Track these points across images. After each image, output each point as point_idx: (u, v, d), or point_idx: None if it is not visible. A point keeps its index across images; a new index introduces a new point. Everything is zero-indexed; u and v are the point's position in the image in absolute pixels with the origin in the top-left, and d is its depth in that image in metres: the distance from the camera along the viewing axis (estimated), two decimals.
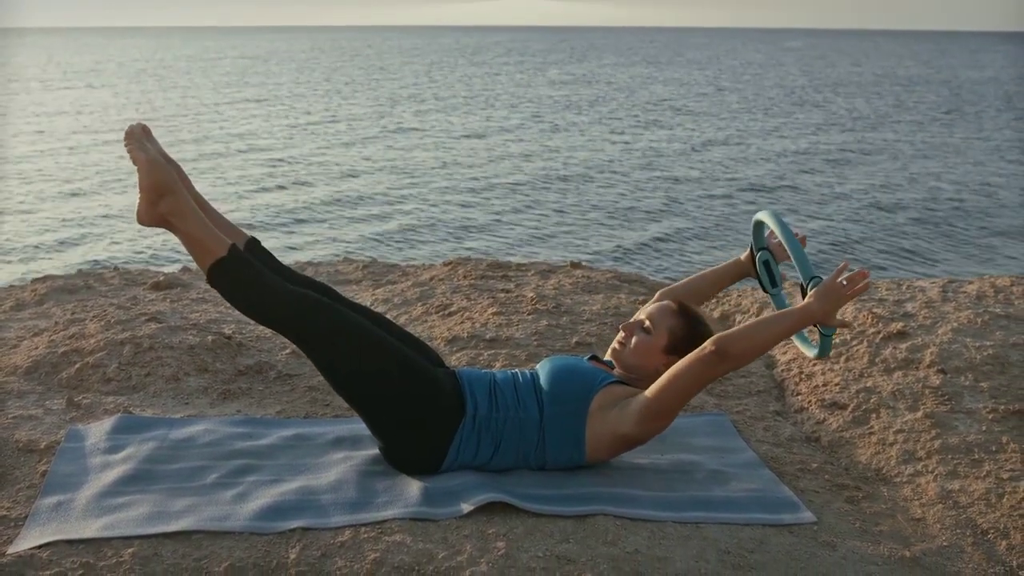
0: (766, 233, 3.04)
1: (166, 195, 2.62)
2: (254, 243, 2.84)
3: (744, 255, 3.11)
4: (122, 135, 2.74)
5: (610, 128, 21.41)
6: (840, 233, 12.29)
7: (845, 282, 2.54)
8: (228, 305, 4.36)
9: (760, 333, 2.53)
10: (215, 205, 2.96)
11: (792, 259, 2.74)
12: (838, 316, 2.57)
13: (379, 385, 2.59)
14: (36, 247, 11.18)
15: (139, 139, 2.67)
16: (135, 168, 2.65)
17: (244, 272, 2.61)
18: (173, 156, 2.79)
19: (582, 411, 2.63)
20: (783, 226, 2.74)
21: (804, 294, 2.62)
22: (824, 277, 2.60)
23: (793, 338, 2.77)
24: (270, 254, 2.85)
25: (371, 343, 2.61)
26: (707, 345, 2.52)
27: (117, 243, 11.45)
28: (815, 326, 2.60)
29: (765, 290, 3.06)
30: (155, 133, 2.80)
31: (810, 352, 2.75)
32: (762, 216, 2.87)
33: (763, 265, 3.03)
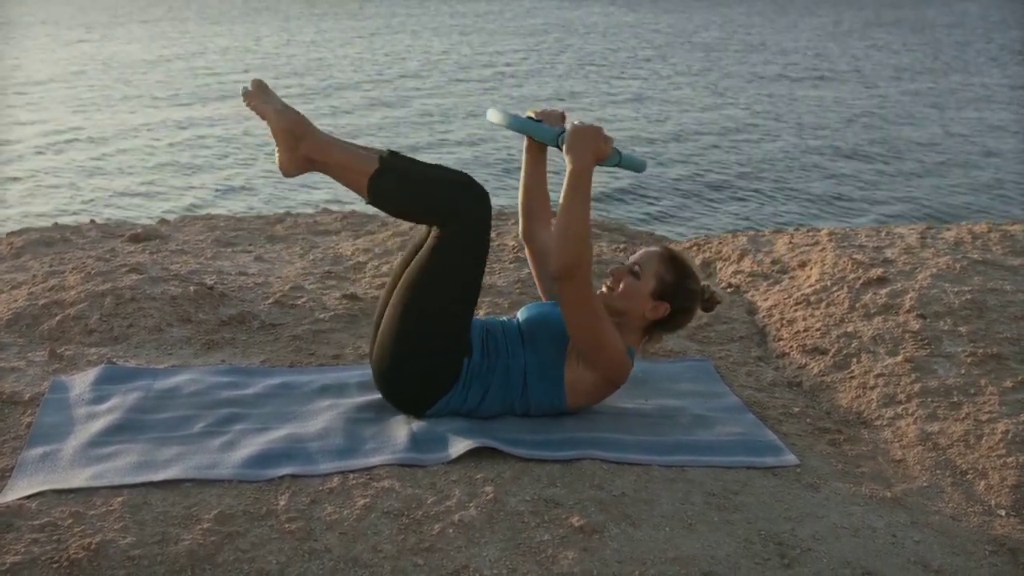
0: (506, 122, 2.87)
1: (303, 137, 2.60)
2: (394, 153, 2.72)
3: (525, 143, 2.97)
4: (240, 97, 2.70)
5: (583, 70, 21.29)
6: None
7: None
8: (209, 256, 4.33)
9: (571, 226, 2.51)
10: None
11: (531, 136, 2.77)
12: (605, 140, 2.56)
13: (449, 297, 2.62)
14: (6, 200, 11.04)
15: (258, 95, 2.66)
16: (265, 124, 2.62)
17: (401, 173, 2.61)
18: None
19: (561, 356, 2.66)
20: (503, 114, 2.75)
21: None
22: (565, 126, 2.60)
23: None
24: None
25: (483, 256, 2.64)
26: (556, 278, 2.54)
27: (92, 196, 11.33)
28: (602, 165, 2.60)
29: (548, 142, 2.81)
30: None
31: (632, 170, 2.75)
32: (489, 117, 2.83)
33: (525, 128, 2.81)
